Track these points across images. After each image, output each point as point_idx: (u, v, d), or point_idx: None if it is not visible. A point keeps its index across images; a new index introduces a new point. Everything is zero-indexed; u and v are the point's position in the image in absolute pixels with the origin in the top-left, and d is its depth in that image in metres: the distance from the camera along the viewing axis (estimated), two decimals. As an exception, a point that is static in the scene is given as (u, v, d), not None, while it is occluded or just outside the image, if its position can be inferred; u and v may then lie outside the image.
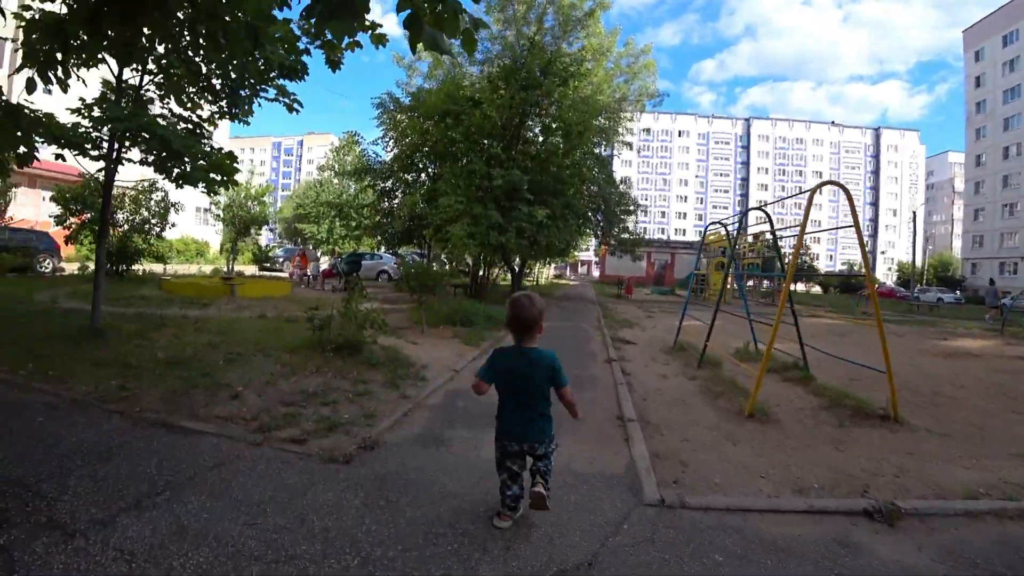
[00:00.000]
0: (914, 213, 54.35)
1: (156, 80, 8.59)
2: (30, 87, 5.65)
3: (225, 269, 26.55)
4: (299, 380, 5.99)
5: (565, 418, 3.27)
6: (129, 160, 8.10)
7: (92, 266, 18.29)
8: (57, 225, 18.06)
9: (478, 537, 2.90)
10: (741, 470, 4.10)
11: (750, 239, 32.61)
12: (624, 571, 2.68)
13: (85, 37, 5.55)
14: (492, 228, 13.93)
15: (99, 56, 6.73)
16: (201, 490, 3.25)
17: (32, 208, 29.13)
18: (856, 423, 5.59)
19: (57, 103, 6.87)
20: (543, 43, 15.95)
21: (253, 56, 7.85)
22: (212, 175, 7.01)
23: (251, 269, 29.82)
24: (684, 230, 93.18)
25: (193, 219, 37.64)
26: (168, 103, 8.94)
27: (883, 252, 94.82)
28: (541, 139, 16.90)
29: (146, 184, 19.33)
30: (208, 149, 8.47)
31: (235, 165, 8.94)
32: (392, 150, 17.64)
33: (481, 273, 17.25)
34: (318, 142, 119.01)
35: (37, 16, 5.57)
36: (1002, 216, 56.05)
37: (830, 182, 6.30)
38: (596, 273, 77.81)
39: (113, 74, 7.91)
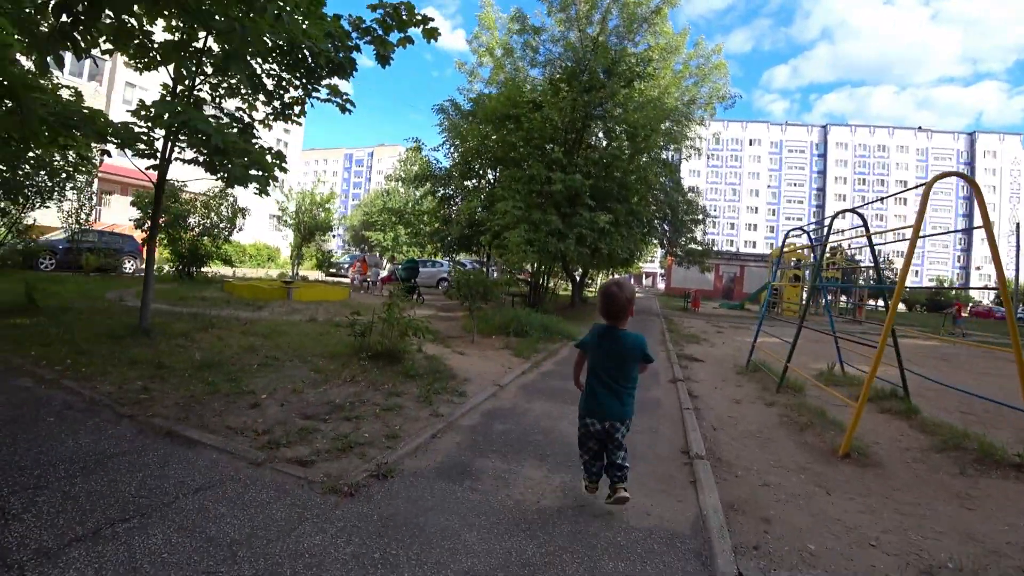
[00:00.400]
0: (1017, 225, 49.47)
1: (211, 81, 8.54)
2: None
3: (290, 273, 27.19)
4: (328, 390, 5.52)
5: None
6: (180, 159, 7.97)
7: (168, 268, 19.17)
8: (137, 228, 18.88)
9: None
10: (843, 532, 3.19)
11: (827, 250, 30.57)
12: None
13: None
14: (551, 235, 13.25)
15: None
16: (172, 520, 2.74)
17: (122, 213, 31.02)
18: (983, 472, 4.48)
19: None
20: (607, 43, 15.21)
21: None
22: (252, 171, 6.68)
23: (316, 274, 30.46)
24: (754, 242, 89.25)
25: (267, 226, 39.08)
26: (221, 103, 8.88)
27: (978, 268, 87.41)
28: (605, 143, 16.12)
29: (217, 190, 19.99)
30: (256, 148, 8.31)
31: (282, 164, 8.80)
32: (453, 156, 17.39)
33: (540, 282, 16.61)
34: (388, 153, 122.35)
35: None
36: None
37: (953, 173, 5.22)
38: (661, 285, 75.64)
39: (170, 76, 7.88)
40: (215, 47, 7.96)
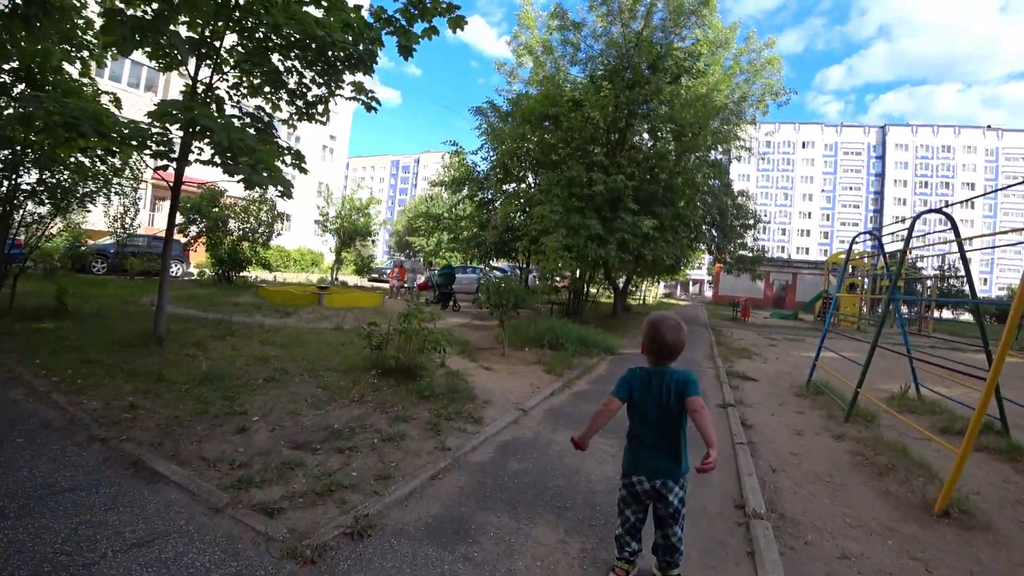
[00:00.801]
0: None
1: (231, 79, 8.24)
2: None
3: (329, 279, 27.20)
4: (330, 411, 4.96)
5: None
6: (199, 161, 7.61)
7: (209, 272, 19.32)
8: (178, 233, 19.08)
9: None
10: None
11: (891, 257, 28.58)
12: None
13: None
14: (591, 240, 12.48)
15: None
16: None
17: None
18: None
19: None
20: (651, 38, 14.33)
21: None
22: (262, 172, 6.22)
23: (357, 280, 30.49)
24: (807, 248, 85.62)
25: (312, 231, 39.69)
26: (242, 102, 8.56)
27: (968, 288, 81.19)
28: (649, 143, 15.23)
29: (256, 195, 20.03)
30: (265, 148, 7.96)
31: (301, 165, 8.38)
32: (491, 160, 16.84)
33: (580, 290, 15.83)
34: (433, 160, 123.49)
35: None
36: None
37: None
38: (709, 293, 73.32)
39: (189, 75, 7.59)
40: (235, 44, 7.68)
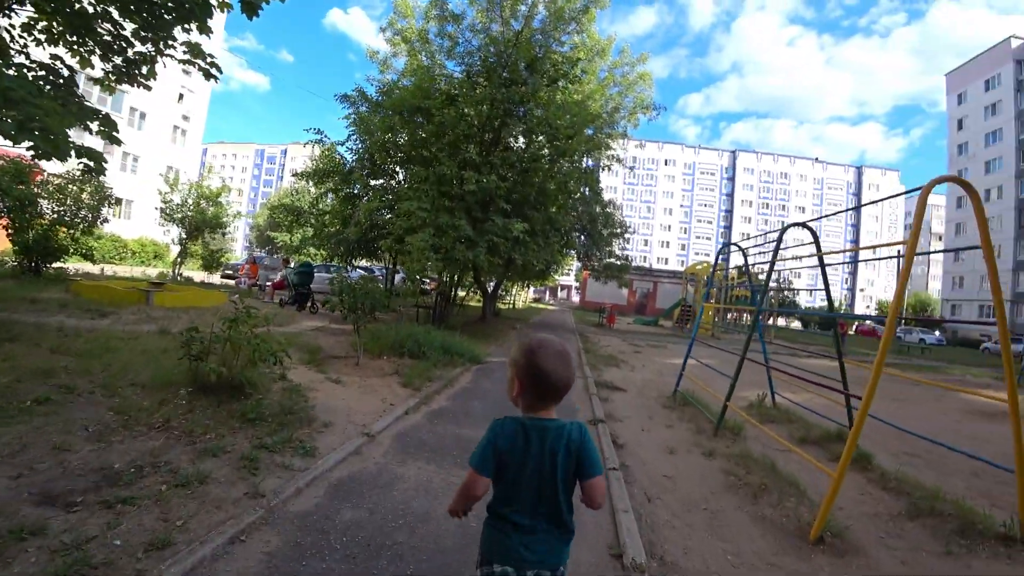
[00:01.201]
0: (899, 251, 53.54)
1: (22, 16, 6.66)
2: None
3: (171, 274, 24.14)
4: (116, 444, 3.86)
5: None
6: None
7: (11, 262, 16.06)
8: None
9: None
10: None
11: (732, 271, 31.14)
12: None
13: None
14: (460, 241, 11.90)
15: None
16: None
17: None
18: (969, 548, 3.72)
19: None
20: (531, 39, 14.12)
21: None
22: (33, 129, 4.86)
23: (205, 276, 27.36)
24: (666, 259, 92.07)
25: (155, 220, 35.27)
26: (31, 48, 6.92)
27: (862, 290, 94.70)
28: (524, 145, 15.00)
29: (77, 172, 17.03)
30: (78, 110, 6.50)
31: (112, 133, 6.96)
32: (359, 152, 15.62)
33: (448, 294, 15.13)
34: (302, 151, 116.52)
35: None
36: (983, 259, 55.63)
37: (948, 178, 4.24)
38: (576, 299, 76.15)
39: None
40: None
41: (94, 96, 30.10)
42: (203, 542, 2.71)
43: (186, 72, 38.52)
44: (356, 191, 16.08)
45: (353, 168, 15.67)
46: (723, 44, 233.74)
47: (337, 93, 15.50)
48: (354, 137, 15.37)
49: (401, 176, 15.92)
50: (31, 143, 4.82)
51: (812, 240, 6.97)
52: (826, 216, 7.07)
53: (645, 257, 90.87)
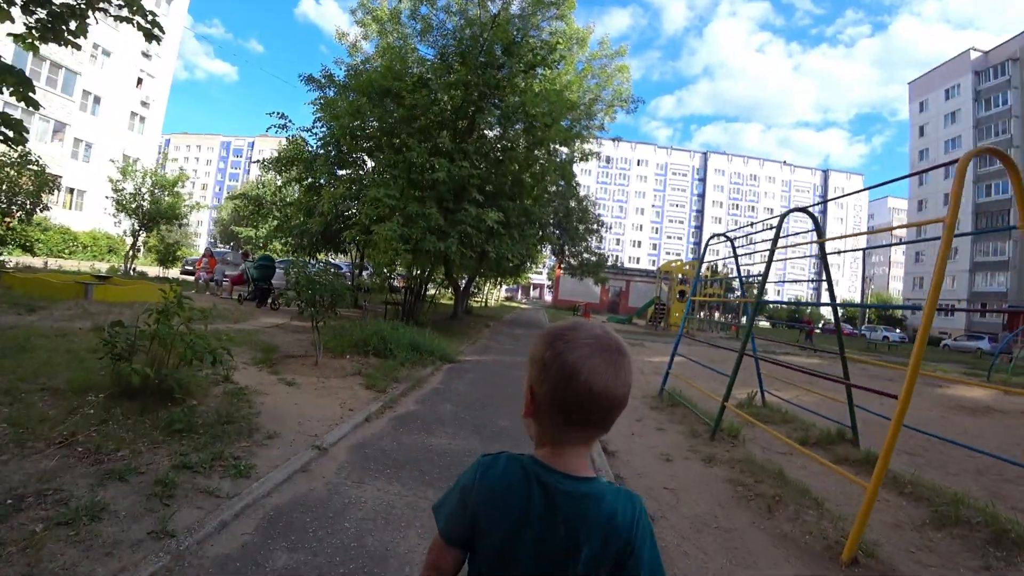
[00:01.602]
0: (864, 253, 54.73)
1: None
2: None
3: (122, 268, 22.79)
4: (-9, 467, 3.07)
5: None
6: None
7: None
8: None
9: None
10: None
11: (705, 269, 31.06)
12: None
13: None
14: (431, 232, 11.18)
15: None
16: None
17: None
18: (1007, 560, 3.38)
19: None
20: (509, 21, 13.39)
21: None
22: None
23: (160, 271, 25.92)
24: (638, 258, 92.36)
25: (107, 211, 33.43)
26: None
27: (827, 289, 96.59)
28: (499, 134, 14.28)
29: (15, 156, 15.74)
30: None
31: (28, 95, 6.05)
32: (326, 139, 14.71)
33: (418, 289, 14.33)
34: (271, 144, 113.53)
35: None
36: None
37: (987, 150, 3.74)
38: (548, 297, 75.81)
39: None
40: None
41: (42, 75, 28.39)
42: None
43: (146, 55, 36.84)
44: (321, 181, 15.17)
45: (318, 155, 14.78)
46: (695, 48, 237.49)
47: (303, 74, 14.57)
48: (320, 123, 14.49)
49: (369, 166, 15.08)
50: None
51: (813, 227, 6.58)
52: (831, 200, 6.61)
53: (617, 256, 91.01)
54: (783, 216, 6.15)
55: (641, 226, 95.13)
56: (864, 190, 5.43)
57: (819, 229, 6.52)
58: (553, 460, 0.93)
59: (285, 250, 18.55)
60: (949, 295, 55.48)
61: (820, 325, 56.53)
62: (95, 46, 32.25)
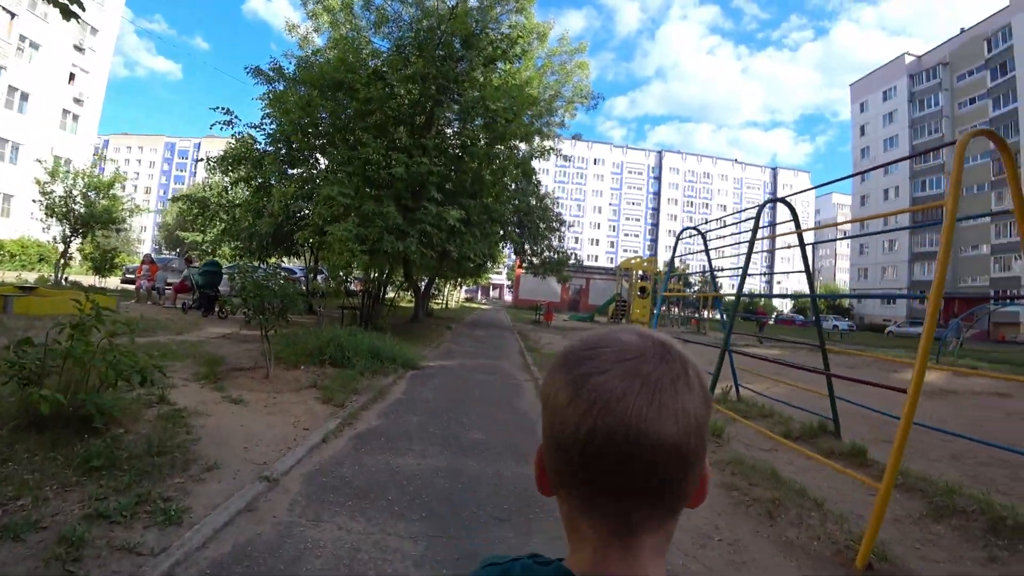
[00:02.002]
0: (812, 246, 56.33)
1: None
2: None
3: (53, 277, 21.24)
4: None
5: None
6: None
7: None
8: None
9: None
10: None
11: (653, 266, 31.32)
12: None
13: None
14: (389, 231, 10.63)
15: None
16: None
17: None
18: (1011, 548, 3.35)
19: None
20: (467, 13, 12.85)
21: None
22: None
23: (96, 280, 24.27)
24: (596, 256, 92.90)
25: (36, 216, 31.18)
26: None
27: (779, 282, 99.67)
28: (458, 129, 13.76)
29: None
30: None
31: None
32: (275, 136, 13.88)
33: (376, 292, 13.68)
34: (218, 145, 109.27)
35: None
36: (883, 252, 59.70)
37: (982, 132, 3.58)
38: (509, 297, 75.57)
39: None
40: None
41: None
42: None
43: (79, 49, 34.55)
44: (271, 180, 14.33)
45: (267, 153, 13.95)
46: (648, 50, 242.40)
47: (249, 66, 13.73)
48: (269, 120, 13.69)
49: (322, 164, 14.35)
50: None
51: (792, 218, 6.44)
52: (804, 191, 6.41)
53: (576, 254, 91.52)
54: (761, 207, 6.09)
55: (599, 224, 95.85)
56: (844, 179, 5.26)
57: (796, 220, 6.37)
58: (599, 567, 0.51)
59: (234, 254, 17.52)
60: (891, 284, 58.11)
61: (773, 316, 58.31)
62: (22, 38, 30.05)
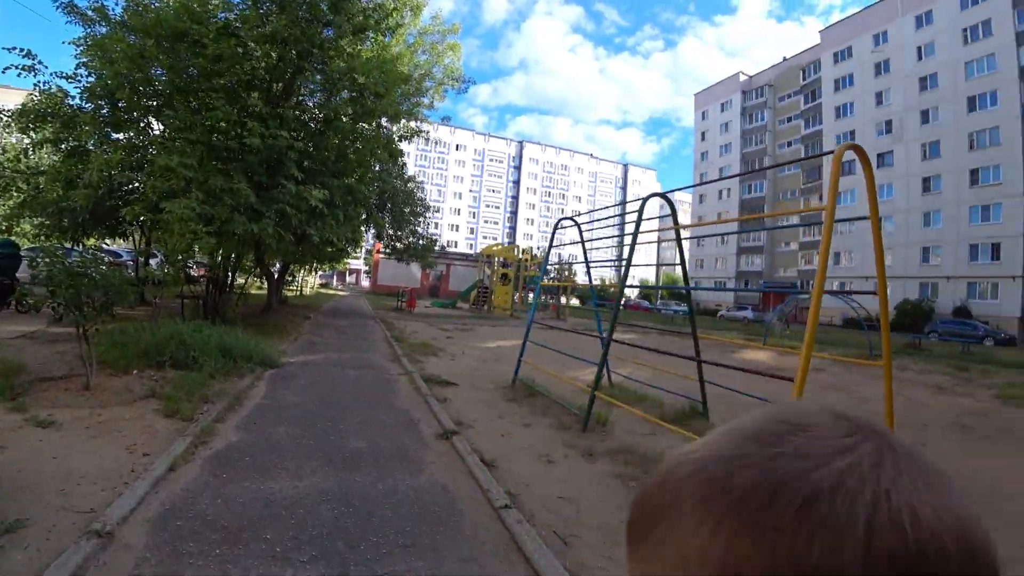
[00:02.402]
0: (659, 238, 61.20)
1: None
2: None
3: None
4: None
5: None
6: None
7: None
8: None
9: None
10: None
11: (515, 253, 32.02)
12: None
13: None
14: (240, 211, 9.39)
15: None
16: None
17: None
18: None
19: None
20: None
21: None
22: None
23: None
24: (456, 242, 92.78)
25: None
26: None
27: (633, 276, 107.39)
28: (321, 100, 12.53)
29: None
30: None
31: None
32: (96, 91, 11.56)
33: (223, 279, 12.09)
34: (13, 97, 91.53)
35: None
36: (716, 244, 66.86)
37: (850, 146, 3.84)
38: (366, 283, 72.95)
39: None
40: None
41: None
42: None
43: None
44: (89, 145, 12.00)
45: (82, 111, 11.66)
46: (513, 41, 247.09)
47: (59, 1, 11.31)
48: (87, 71, 11.41)
49: (157, 129, 12.35)
50: None
51: (670, 212, 6.71)
52: (690, 187, 6.58)
53: (436, 239, 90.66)
54: (644, 200, 6.21)
55: (459, 210, 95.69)
56: (726, 179, 5.41)
57: (675, 215, 6.64)
58: None
59: (37, 233, 14.59)
60: (721, 274, 65.23)
61: (623, 303, 62.63)
62: None
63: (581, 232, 8.81)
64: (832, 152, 3.91)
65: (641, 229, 6.13)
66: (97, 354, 5.70)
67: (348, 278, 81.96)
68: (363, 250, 48.14)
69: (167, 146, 9.55)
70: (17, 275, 11.96)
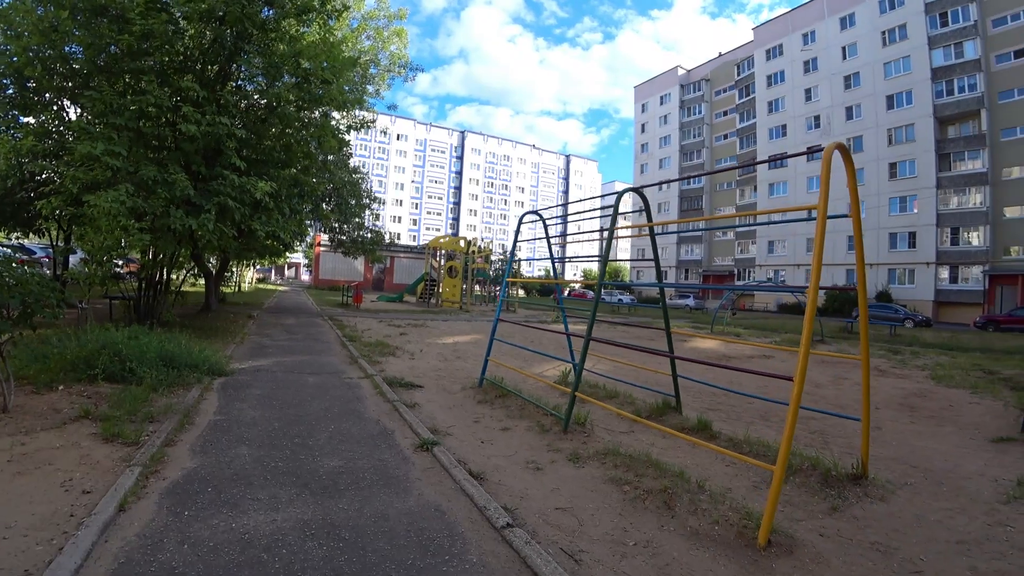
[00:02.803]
0: (601, 229, 61.94)
1: None
2: None
3: None
4: None
5: None
6: None
7: None
8: None
9: None
10: None
11: (462, 245, 31.58)
12: None
13: None
14: (176, 204, 8.58)
15: None
16: None
17: None
18: (839, 495, 4.05)
19: None
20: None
21: None
22: None
23: None
24: (399, 234, 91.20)
25: None
26: None
27: (571, 260, 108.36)
28: (264, 86, 11.63)
29: None
30: None
31: None
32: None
33: (156, 278, 11.09)
34: None
35: None
36: (657, 233, 68.51)
37: (838, 145, 3.74)
38: (306, 277, 70.53)
39: None
40: None
41: None
42: None
43: None
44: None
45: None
46: (453, 29, 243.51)
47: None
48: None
49: (74, 114, 11.19)
50: None
51: (643, 208, 6.48)
52: (652, 186, 6.40)
53: (382, 232, 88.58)
54: (620, 195, 6.05)
55: (401, 201, 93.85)
56: (698, 175, 5.26)
57: (648, 211, 6.48)
58: None
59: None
60: (663, 263, 66.75)
61: (567, 292, 63.32)
62: None
63: (547, 227, 8.57)
64: (821, 150, 3.82)
65: (602, 225, 6.03)
66: (15, 370, 4.96)
67: (288, 271, 79.09)
68: (304, 243, 46.41)
69: (89, 132, 8.58)
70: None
